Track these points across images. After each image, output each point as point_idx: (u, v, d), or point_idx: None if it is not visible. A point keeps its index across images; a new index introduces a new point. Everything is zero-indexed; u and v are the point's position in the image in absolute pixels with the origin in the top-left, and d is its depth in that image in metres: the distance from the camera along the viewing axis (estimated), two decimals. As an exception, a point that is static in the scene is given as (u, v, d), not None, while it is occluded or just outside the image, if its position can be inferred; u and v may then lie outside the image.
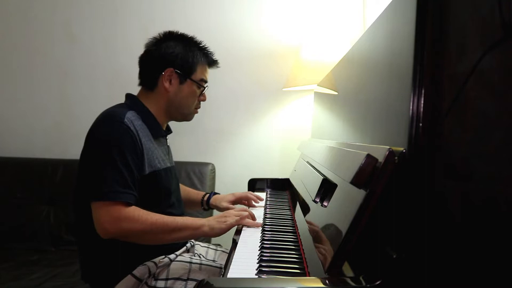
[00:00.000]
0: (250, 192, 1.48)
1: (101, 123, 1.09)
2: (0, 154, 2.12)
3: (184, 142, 2.10)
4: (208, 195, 1.46)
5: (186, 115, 1.27)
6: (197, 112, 1.30)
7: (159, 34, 1.25)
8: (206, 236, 1.08)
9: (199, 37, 1.29)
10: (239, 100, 2.10)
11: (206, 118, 2.08)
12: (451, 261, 0.52)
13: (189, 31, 1.27)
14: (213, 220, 1.07)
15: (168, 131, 1.32)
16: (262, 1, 2.06)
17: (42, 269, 1.62)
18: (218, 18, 2.08)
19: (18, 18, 2.17)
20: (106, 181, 1.00)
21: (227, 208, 1.34)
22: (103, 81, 2.13)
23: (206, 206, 1.45)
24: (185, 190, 1.49)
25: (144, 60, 1.23)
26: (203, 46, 1.26)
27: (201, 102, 1.29)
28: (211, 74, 1.30)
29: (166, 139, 1.30)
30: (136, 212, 1.02)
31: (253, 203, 1.40)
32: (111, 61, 2.13)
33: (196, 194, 1.49)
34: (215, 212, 1.48)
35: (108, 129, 1.07)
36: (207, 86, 1.28)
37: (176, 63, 1.19)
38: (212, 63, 1.29)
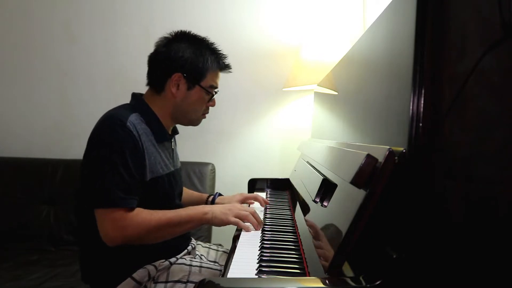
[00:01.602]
0: (259, 194, 1.37)
1: (103, 125, 1.05)
2: (0, 154, 2.12)
3: (184, 142, 2.09)
4: (212, 196, 1.41)
5: (193, 121, 1.23)
6: (204, 117, 1.26)
7: (170, 33, 1.18)
8: (208, 224, 1.08)
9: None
10: (239, 100, 2.10)
11: (206, 118, 2.07)
12: (451, 261, 0.52)
13: (189, 31, 1.26)
14: (218, 209, 1.06)
15: (174, 132, 1.28)
16: (262, 1, 2.06)
17: (42, 269, 1.62)
18: (218, 18, 2.08)
19: (18, 18, 2.17)
20: (108, 187, 0.98)
21: None
22: (103, 81, 2.13)
23: None
24: (188, 193, 1.47)
25: (153, 61, 1.17)
26: (215, 49, 1.20)
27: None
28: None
29: (171, 142, 1.25)
30: (139, 215, 1.00)
31: (259, 205, 1.36)
32: (111, 61, 2.13)
33: (199, 196, 1.45)
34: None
35: (110, 132, 1.02)
36: (217, 91, 1.23)
37: (185, 68, 1.13)
38: (224, 67, 1.22)
